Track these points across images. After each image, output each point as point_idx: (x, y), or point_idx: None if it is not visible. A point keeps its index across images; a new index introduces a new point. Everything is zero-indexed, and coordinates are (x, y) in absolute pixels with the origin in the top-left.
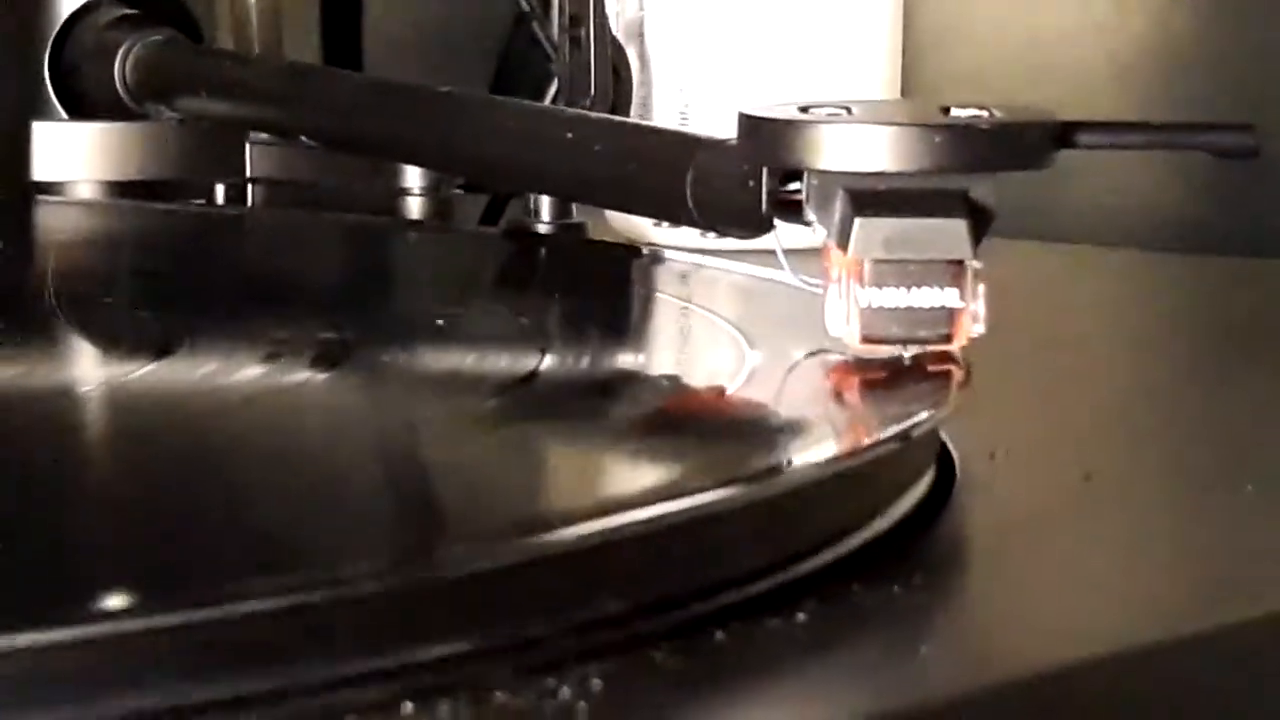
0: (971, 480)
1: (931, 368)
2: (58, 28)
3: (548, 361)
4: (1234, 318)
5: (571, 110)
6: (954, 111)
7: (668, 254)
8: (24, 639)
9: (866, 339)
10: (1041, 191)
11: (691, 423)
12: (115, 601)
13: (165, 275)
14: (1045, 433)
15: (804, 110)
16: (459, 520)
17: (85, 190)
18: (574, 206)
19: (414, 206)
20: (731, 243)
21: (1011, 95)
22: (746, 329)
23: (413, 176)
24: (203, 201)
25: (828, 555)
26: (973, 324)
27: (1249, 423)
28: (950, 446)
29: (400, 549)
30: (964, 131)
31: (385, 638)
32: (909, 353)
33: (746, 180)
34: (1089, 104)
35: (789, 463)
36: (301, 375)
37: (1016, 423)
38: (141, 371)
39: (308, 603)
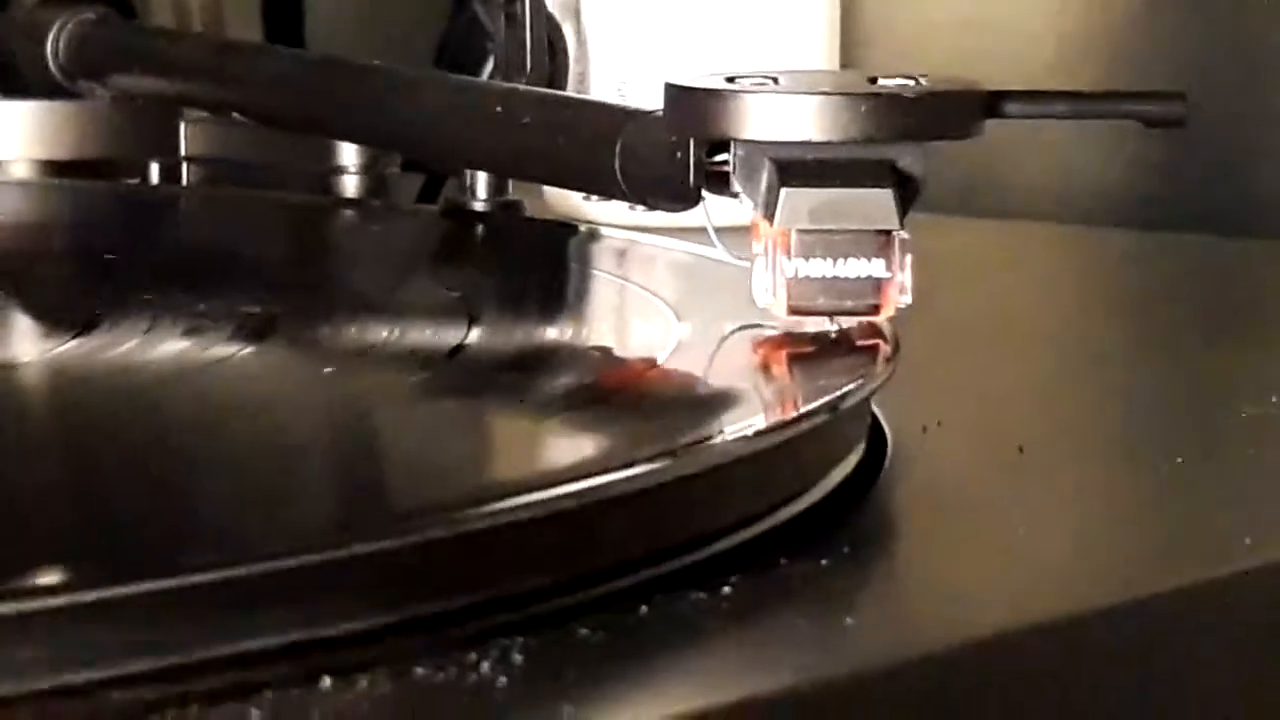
0: (904, 453)
1: (860, 341)
2: None
3: (475, 335)
4: (1168, 292)
5: (501, 84)
6: (881, 81)
7: (602, 231)
8: None
9: (793, 310)
10: (982, 169)
11: (619, 396)
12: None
13: (95, 253)
14: (979, 406)
15: (730, 80)
16: (382, 495)
17: (18, 169)
18: (510, 184)
19: (350, 185)
20: (667, 219)
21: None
22: (676, 304)
23: (348, 154)
24: (137, 180)
25: (756, 529)
26: (900, 295)
27: (1181, 396)
28: (882, 419)
29: (322, 523)
30: (890, 101)
31: (303, 612)
32: (835, 325)
33: (674, 152)
34: (1031, 81)
35: (717, 435)
36: (224, 350)
37: (950, 396)
38: (63, 348)
39: (229, 578)
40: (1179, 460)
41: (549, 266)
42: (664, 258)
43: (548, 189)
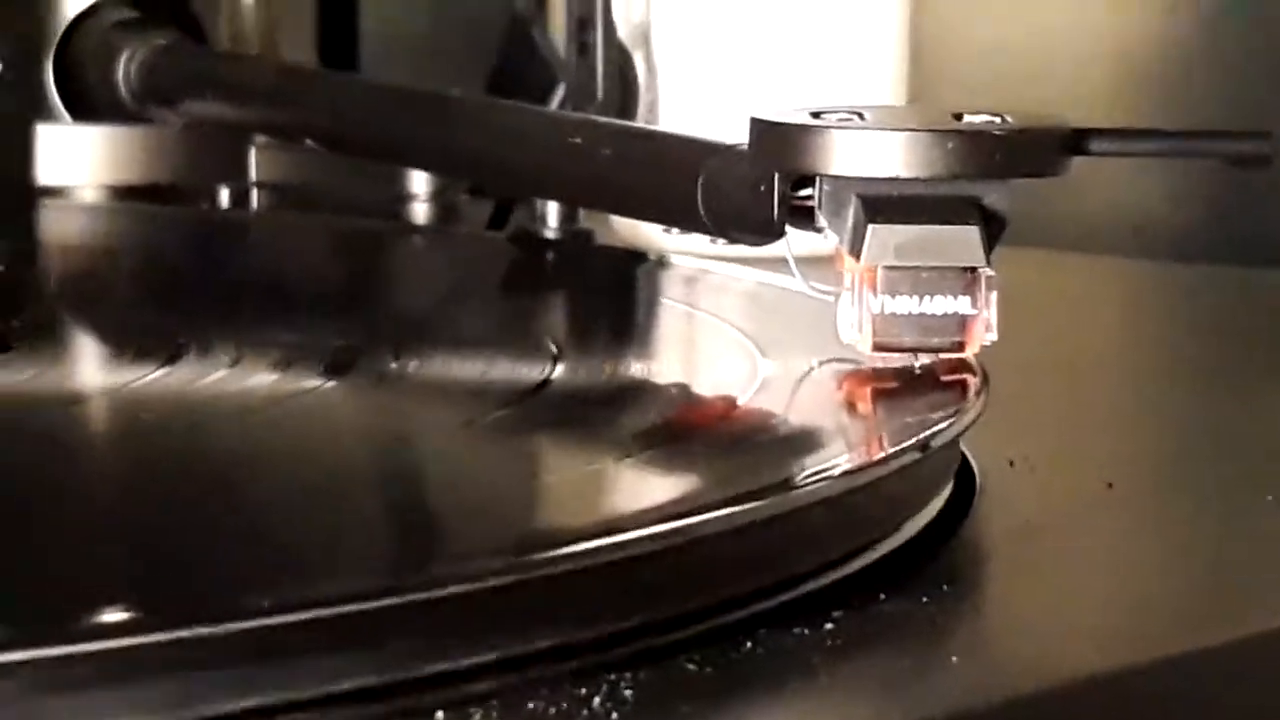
0: (992, 489)
1: (946, 377)
2: (62, 30)
3: (561, 369)
4: (1249, 328)
5: (579, 115)
6: (967, 118)
7: (676, 260)
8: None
9: (879, 346)
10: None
11: (709, 433)
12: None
13: (172, 280)
14: (1064, 441)
15: (816, 115)
16: (488, 531)
17: (88, 194)
18: (580, 212)
19: (419, 212)
20: (736, 249)
21: (1013, 96)
22: (758, 337)
23: (418, 182)
24: (206, 205)
25: (854, 565)
26: (985, 332)
27: (1269, 432)
28: (969, 455)
29: (434, 558)
30: (977, 138)
31: (417, 648)
32: (920, 361)
33: (758, 186)
34: (1089, 104)
35: (815, 474)
36: (314, 381)
37: (1034, 431)
38: (151, 377)
39: (348, 612)
40: (1269, 498)
41: (629, 297)
42: (742, 289)
43: (615, 217)
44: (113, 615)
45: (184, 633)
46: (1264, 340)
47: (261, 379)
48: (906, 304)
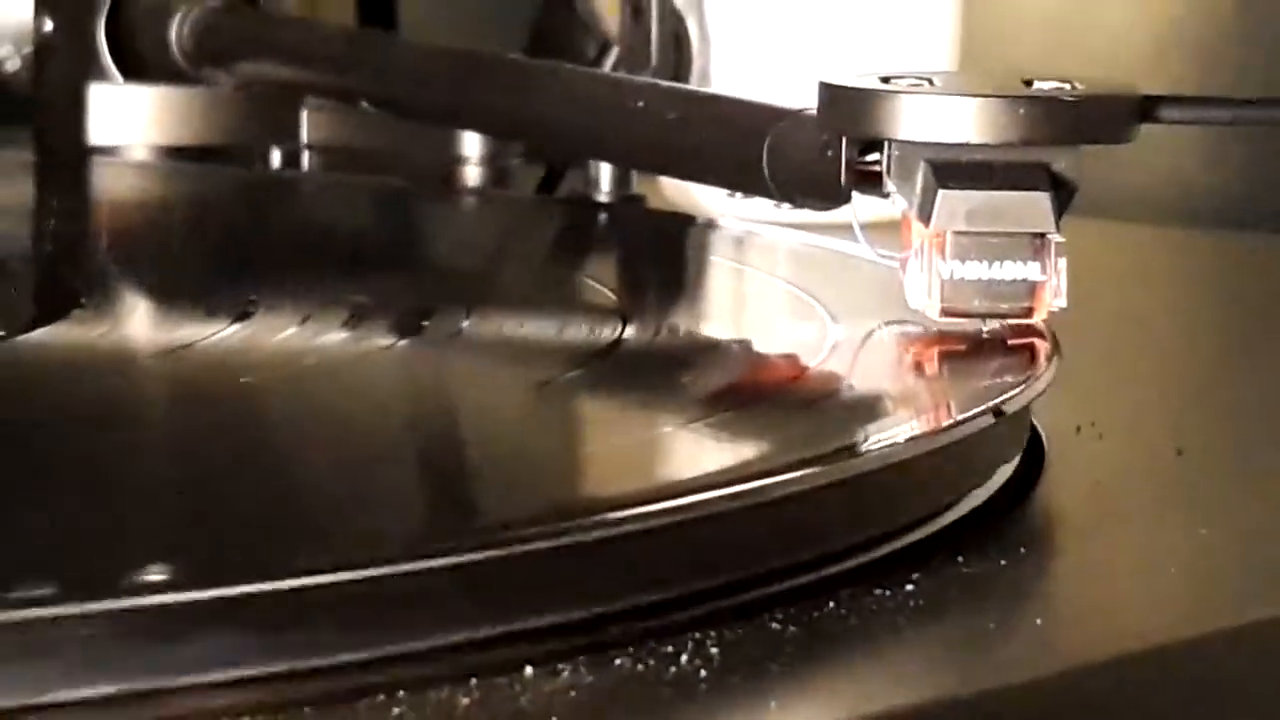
0: (1061, 455)
1: (1014, 341)
2: None
3: (631, 332)
4: None
5: (642, 79)
6: (1037, 84)
7: (727, 224)
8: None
9: (947, 311)
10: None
11: (786, 397)
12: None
13: (232, 239)
14: (1130, 408)
15: (885, 80)
16: (574, 492)
17: (140, 154)
18: (633, 177)
19: (471, 175)
20: (790, 215)
21: (1057, 64)
22: (827, 301)
23: (471, 145)
24: (260, 166)
25: (931, 527)
26: (1054, 298)
27: None
28: (1036, 421)
29: (522, 519)
30: (1048, 104)
31: (508, 604)
32: (988, 326)
33: (825, 150)
34: (1132, 74)
35: (887, 439)
36: (385, 340)
37: (1100, 398)
38: (224, 333)
39: (442, 566)
40: None
41: (690, 259)
42: (803, 253)
43: (665, 182)
44: (181, 569)
45: (291, 583)
46: None
47: (332, 337)
48: (976, 269)
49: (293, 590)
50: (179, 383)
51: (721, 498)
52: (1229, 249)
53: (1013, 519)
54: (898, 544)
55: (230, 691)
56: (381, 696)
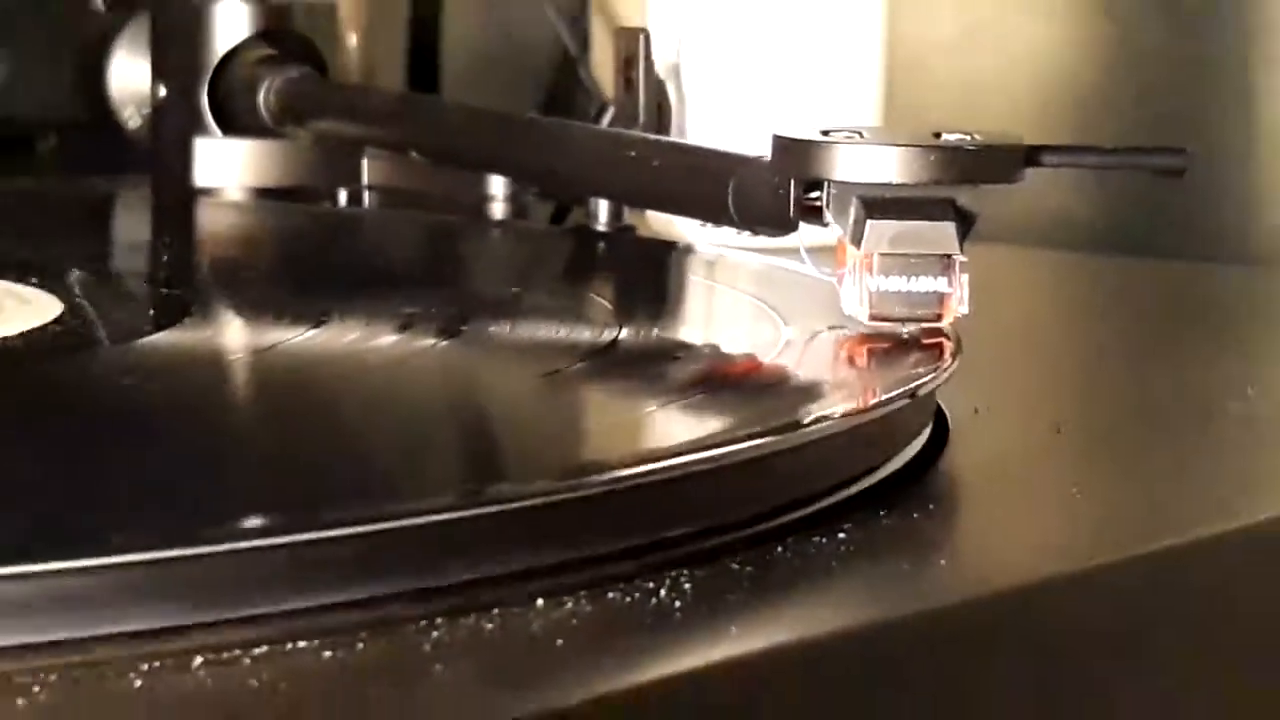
0: (962, 430)
1: (926, 341)
2: (215, 63)
3: (623, 334)
4: (1160, 310)
5: (633, 133)
6: (944, 136)
7: (701, 248)
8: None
9: (875, 317)
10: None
11: (745, 382)
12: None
13: (308, 262)
14: (1019, 394)
15: (825, 133)
16: (579, 456)
17: (235, 194)
18: (625, 210)
19: (497, 210)
20: (752, 241)
21: (978, 109)
22: (779, 309)
23: (496, 185)
24: (329, 205)
25: (856, 488)
26: (958, 306)
27: (1185, 393)
28: (942, 405)
29: (537, 476)
30: (953, 152)
31: (523, 547)
32: (907, 329)
33: (777, 189)
34: (1045, 118)
35: (825, 416)
36: (429, 341)
37: (992, 387)
38: (305, 336)
39: (475, 515)
40: (1183, 442)
41: (671, 277)
42: (761, 272)
43: (651, 215)
44: (279, 515)
45: (356, 529)
46: (1179, 320)
47: (388, 339)
48: (897, 283)
49: (358, 535)
50: (267, 374)
51: (694, 462)
52: (1101, 268)
53: (923, 482)
54: (831, 500)
55: (305, 617)
56: (423, 623)
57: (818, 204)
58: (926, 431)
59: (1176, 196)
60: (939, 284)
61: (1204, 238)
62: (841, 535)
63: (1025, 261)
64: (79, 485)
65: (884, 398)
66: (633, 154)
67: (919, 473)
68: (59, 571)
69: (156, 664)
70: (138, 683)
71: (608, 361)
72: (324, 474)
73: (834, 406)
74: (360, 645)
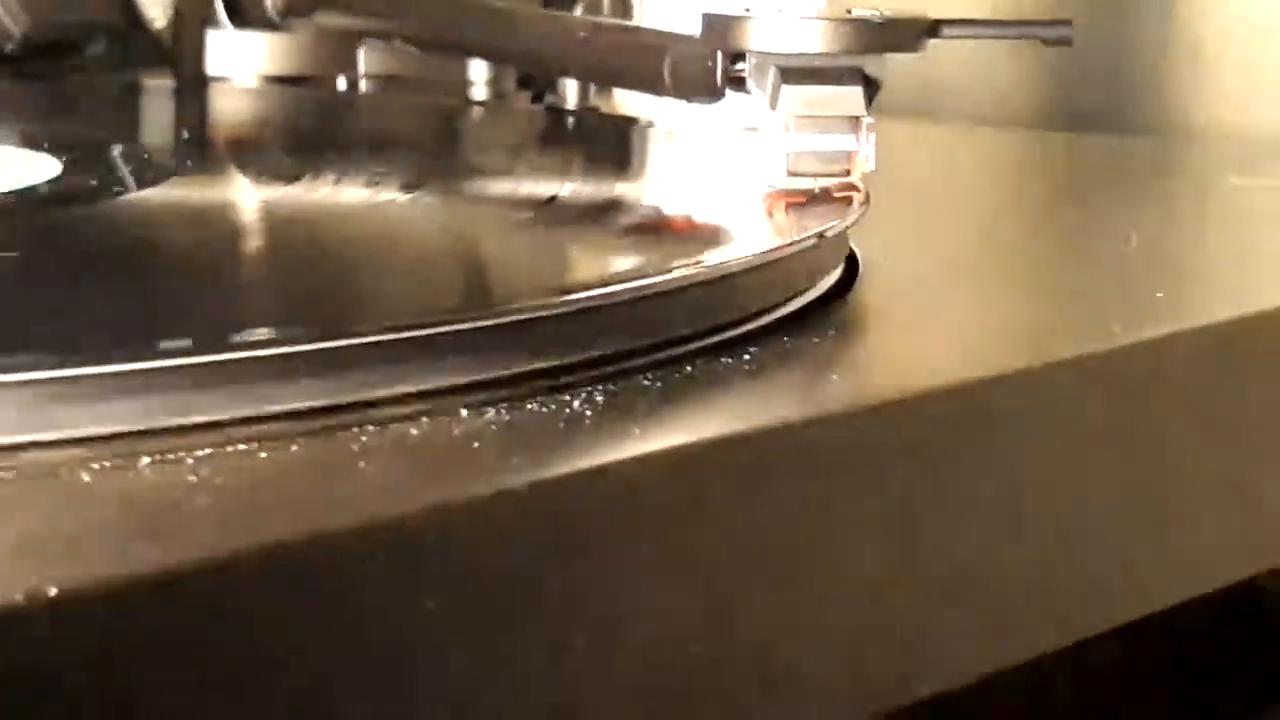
0: (870, 271)
1: (837, 194)
2: None
3: (571, 189)
4: (1078, 175)
5: (587, 17)
6: (855, 11)
7: (657, 122)
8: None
9: (792, 173)
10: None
11: (680, 228)
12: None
13: (308, 137)
14: (924, 239)
15: (748, 10)
16: (517, 284)
17: (245, 81)
18: (591, 91)
19: (479, 93)
20: (693, 112)
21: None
22: (713, 170)
23: (478, 71)
24: (329, 90)
25: (768, 319)
26: (865, 163)
27: (1071, 237)
28: (854, 248)
29: (476, 300)
30: (862, 24)
31: (444, 363)
32: (819, 184)
33: (707, 62)
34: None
35: (739, 254)
36: (392, 195)
37: (904, 234)
38: (282, 191)
39: (413, 336)
40: (1063, 278)
41: (627, 147)
42: (700, 140)
43: (617, 95)
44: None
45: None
46: (1084, 183)
47: (356, 193)
48: (810, 142)
49: (298, 353)
50: (237, 219)
51: (615, 292)
52: (1014, 139)
53: (828, 313)
54: (745, 329)
55: (245, 425)
56: (354, 430)
57: (742, 74)
58: (838, 271)
59: (1119, 72)
60: (847, 142)
61: (1143, 111)
62: (746, 357)
63: (950, 133)
64: (48, 311)
65: (794, 239)
66: (583, 35)
67: (827, 307)
68: (25, 382)
69: (106, 463)
70: (87, 478)
71: (553, 211)
72: (272, 298)
73: (748, 247)
74: (294, 448)
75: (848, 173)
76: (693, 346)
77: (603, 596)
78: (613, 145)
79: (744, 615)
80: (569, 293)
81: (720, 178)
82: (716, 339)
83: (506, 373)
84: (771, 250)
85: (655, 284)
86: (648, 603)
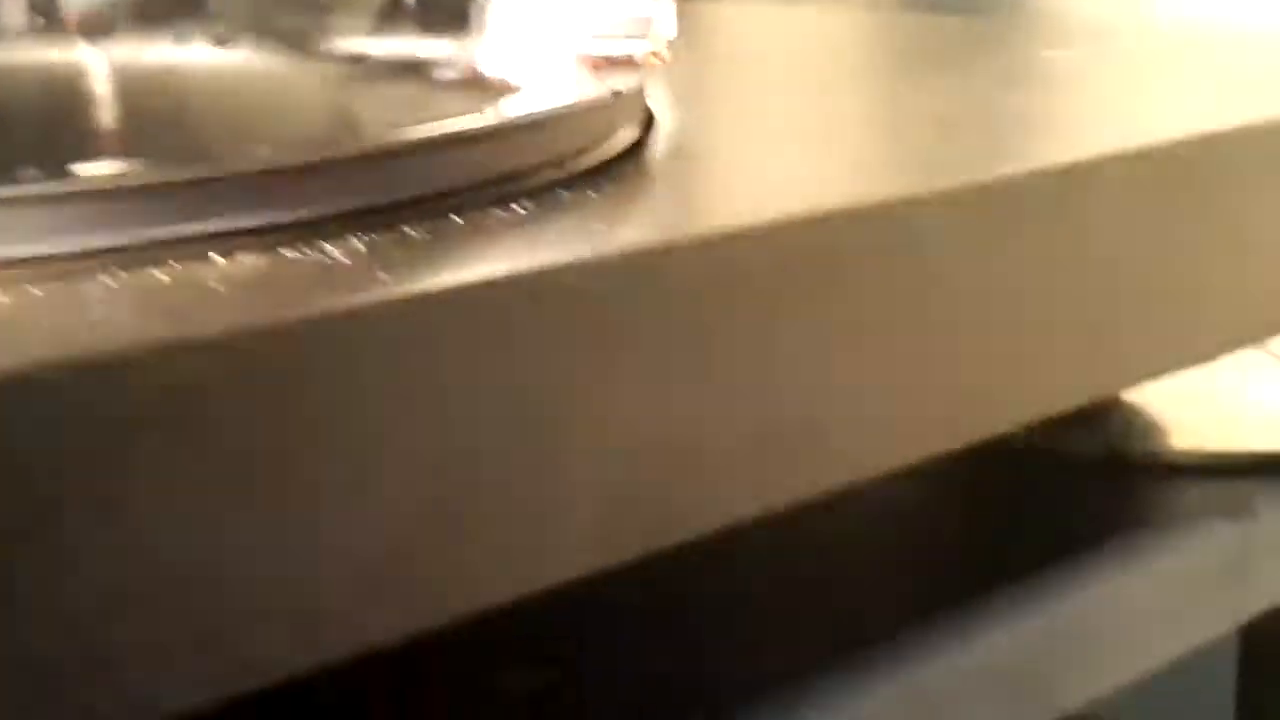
0: (667, 131)
1: (638, 59)
2: None
3: (382, 48)
4: (907, 50)
5: None
6: None
7: None
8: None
9: (596, 37)
10: None
11: (483, 87)
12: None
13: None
14: (731, 107)
15: None
16: (296, 136)
17: None
18: None
19: None
20: None
21: None
22: (528, 35)
23: None
24: None
25: (553, 175)
26: (664, 30)
27: (888, 102)
28: (653, 109)
29: (235, 150)
30: None
31: (203, 212)
32: (623, 49)
33: None
34: None
35: (536, 107)
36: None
37: (708, 97)
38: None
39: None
40: (871, 136)
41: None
42: (524, 12)
43: None
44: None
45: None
46: (910, 56)
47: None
48: (613, 9)
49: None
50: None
51: (393, 143)
52: (864, 19)
53: (611, 170)
54: (522, 184)
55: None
56: (102, 276)
57: None
58: (631, 133)
59: None
60: (647, 8)
61: None
62: (521, 211)
63: (817, 17)
64: None
65: (590, 96)
66: None
67: (613, 165)
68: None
69: None
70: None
71: (370, 67)
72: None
73: (549, 102)
74: (38, 292)
75: (648, 40)
76: (464, 198)
77: (346, 445)
78: (429, 5)
79: (489, 459)
80: (341, 145)
81: (543, 43)
82: (494, 192)
83: (265, 222)
84: (571, 104)
85: (430, 135)
86: (392, 451)
